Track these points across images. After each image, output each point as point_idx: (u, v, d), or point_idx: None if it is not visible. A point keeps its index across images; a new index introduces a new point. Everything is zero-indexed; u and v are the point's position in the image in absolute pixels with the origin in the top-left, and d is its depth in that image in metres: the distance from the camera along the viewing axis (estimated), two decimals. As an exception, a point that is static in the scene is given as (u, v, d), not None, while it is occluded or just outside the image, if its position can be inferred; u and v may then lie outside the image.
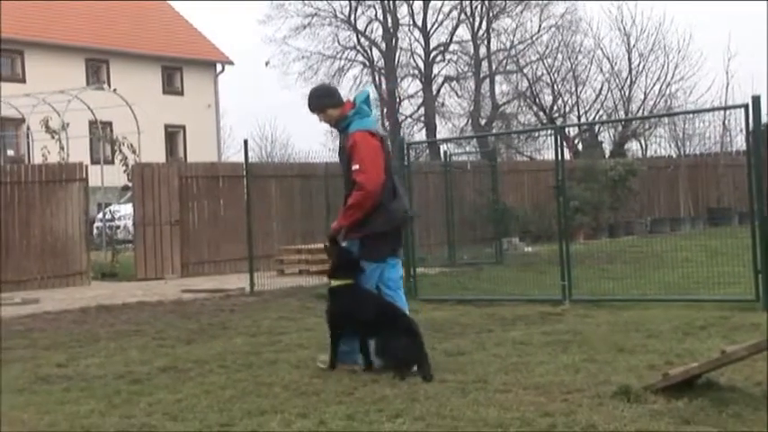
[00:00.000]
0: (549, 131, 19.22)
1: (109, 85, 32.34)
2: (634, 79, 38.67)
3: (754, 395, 6.04)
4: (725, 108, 14.13)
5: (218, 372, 7.70)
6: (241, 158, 16.78)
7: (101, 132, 23.57)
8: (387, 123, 46.94)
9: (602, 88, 39.15)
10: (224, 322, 11.19)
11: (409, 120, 48.08)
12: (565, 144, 22.85)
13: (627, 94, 38.54)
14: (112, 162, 22.80)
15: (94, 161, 24.11)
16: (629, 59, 38.93)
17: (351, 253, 7.53)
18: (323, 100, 7.81)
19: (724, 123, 28.72)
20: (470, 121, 45.58)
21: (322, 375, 7.25)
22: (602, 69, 39.36)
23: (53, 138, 20.37)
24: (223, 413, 6.19)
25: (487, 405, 6.11)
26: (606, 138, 36.87)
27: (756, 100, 10.37)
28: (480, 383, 6.76)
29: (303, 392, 6.69)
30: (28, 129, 24.99)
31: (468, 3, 46.91)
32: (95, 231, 23.79)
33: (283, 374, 7.37)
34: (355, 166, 7.46)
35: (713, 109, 25.99)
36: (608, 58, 39.31)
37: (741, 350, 5.85)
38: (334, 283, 7.57)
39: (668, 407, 5.79)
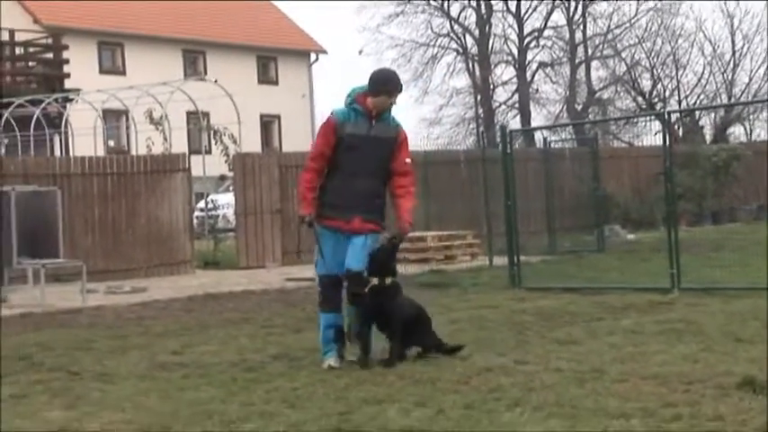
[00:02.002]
0: (651, 117, 18.94)
1: (204, 75, 32.87)
2: (737, 62, 37.80)
3: None
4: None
5: (330, 360, 7.74)
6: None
7: (203, 123, 23.93)
8: (481, 110, 46.76)
9: (703, 72, 38.36)
10: (330, 310, 11.23)
11: (503, 107, 47.82)
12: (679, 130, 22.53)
13: (730, 77, 37.69)
14: (209, 152, 23.14)
15: (192, 151, 24.49)
16: (733, 41, 38.09)
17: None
18: None
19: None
20: (566, 107, 45.09)
21: (434, 364, 7.25)
22: (703, 52, 38.57)
23: (157, 129, 20.75)
24: (340, 401, 6.23)
25: (606, 395, 6.03)
26: (707, 123, 36.13)
27: None
28: (596, 373, 6.68)
29: (418, 381, 6.70)
30: (132, 120, 25.50)
31: (563, -13, 46.34)
32: (195, 221, 24.17)
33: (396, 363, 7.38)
34: (408, 160, 7.72)
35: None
36: (710, 41, 38.53)
37: None
38: (387, 281, 7.48)
39: (796, 399, 5.64)
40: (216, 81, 23.53)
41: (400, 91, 7.70)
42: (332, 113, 7.59)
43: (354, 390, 6.54)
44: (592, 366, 6.91)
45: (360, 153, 7.48)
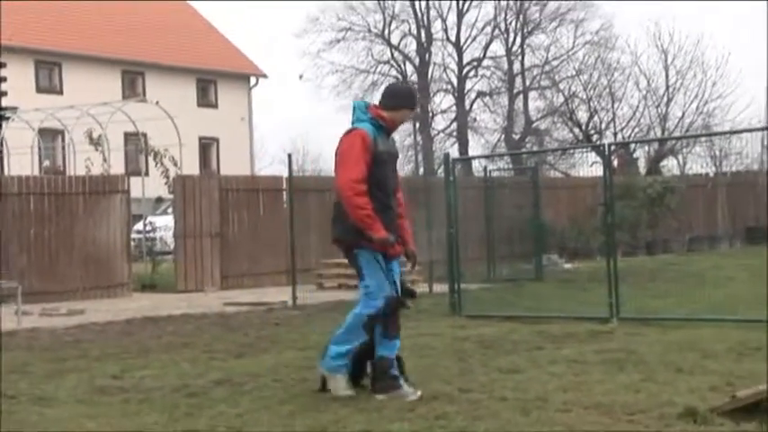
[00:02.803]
0: (588, 149, 19.15)
1: (144, 97, 32.62)
2: (671, 96, 38.47)
3: (823, 418, 5.96)
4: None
5: (273, 386, 7.69)
6: (273, 171, 16.90)
7: (143, 144, 23.76)
8: (419, 138, 47.06)
9: (638, 105, 38.98)
10: (271, 336, 11.20)
11: (442, 135, 48.21)
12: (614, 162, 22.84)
13: (664, 111, 38.34)
14: (148, 174, 22.97)
15: (130, 172, 24.31)
16: (667, 76, 38.73)
17: None
18: None
19: (762, 142, 28.74)
20: (504, 136, 45.60)
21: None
22: (638, 86, 39.19)
23: (97, 149, 20.54)
24: (286, 428, 6.19)
25: (551, 424, 6.07)
26: (641, 154, 36.70)
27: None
28: (540, 402, 6.71)
29: (363, 409, 6.67)
30: (70, 140, 25.20)
31: (502, 18, 47.02)
32: (133, 243, 23.91)
33: (340, 390, 7.35)
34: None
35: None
36: (645, 75, 39.15)
37: (813, 373, 5.78)
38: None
39: (737, 430, 5.73)
40: (157, 103, 23.39)
41: (418, 105, 7.56)
42: (361, 129, 7.01)
43: (299, 417, 6.50)
44: (535, 395, 6.94)
45: (389, 171, 7.12)
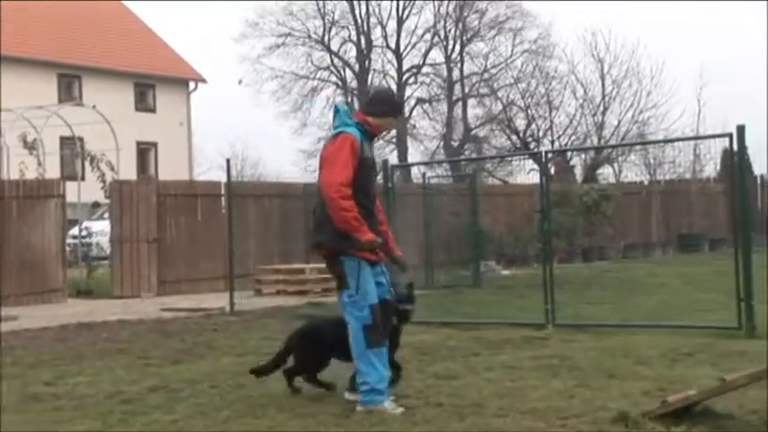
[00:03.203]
0: (524, 156, 19.32)
1: (80, 101, 32.20)
2: (607, 106, 38.94)
3: (751, 422, 6.10)
4: (711, 137, 14.32)
5: (209, 392, 7.66)
6: (212, 177, 16.83)
7: (79, 148, 23.46)
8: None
9: (575, 114, 39.40)
10: (208, 342, 11.14)
11: (381, 141, 48.28)
12: (551, 169, 23.10)
13: (600, 120, 38.78)
14: (83, 178, 22.70)
15: (65, 177, 23.98)
16: (603, 86, 39.21)
17: None
18: None
19: (695, 151, 29.32)
20: (443, 143, 45.82)
21: (316, 398, 7.23)
22: (575, 95, 39.63)
23: (31, 153, 20.25)
24: (221, 435, 6.17)
25: (487, 430, 6.13)
26: (578, 162, 37.12)
27: (741, 129, 10.51)
28: (476, 408, 6.76)
29: (299, 414, 6.67)
30: (4, 144, 24.78)
31: (441, 26, 47.30)
32: (68, 248, 23.60)
33: (277, 396, 7.34)
34: None
35: (701, 137, 26.54)
36: (582, 84, 39.60)
37: (741, 378, 5.92)
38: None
39: (668, 434, 5.84)
40: (94, 107, 23.12)
41: (402, 112, 7.39)
42: (350, 133, 6.79)
43: (235, 423, 6.48)
44: (472, 401, 6.99)
45: (372, 177, 6.97)
